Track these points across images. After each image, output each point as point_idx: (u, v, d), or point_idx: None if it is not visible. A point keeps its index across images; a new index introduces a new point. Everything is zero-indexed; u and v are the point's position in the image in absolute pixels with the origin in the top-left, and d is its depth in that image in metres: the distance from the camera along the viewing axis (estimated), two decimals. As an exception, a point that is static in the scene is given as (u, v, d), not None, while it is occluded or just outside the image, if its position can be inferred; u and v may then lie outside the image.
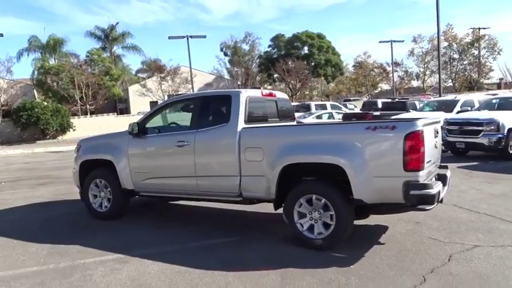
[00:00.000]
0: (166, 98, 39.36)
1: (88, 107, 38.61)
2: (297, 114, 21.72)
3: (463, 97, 16.71)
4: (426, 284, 4.11)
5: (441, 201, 5.21)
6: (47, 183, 11.01)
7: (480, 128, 12.14)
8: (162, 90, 40.19)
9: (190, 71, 35.99)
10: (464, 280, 4.17)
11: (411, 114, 16.68)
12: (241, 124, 5.62)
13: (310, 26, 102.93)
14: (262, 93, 6.29)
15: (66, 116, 30.72)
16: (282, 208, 5.44)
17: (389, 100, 22.72)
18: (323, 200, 5.02)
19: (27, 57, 51.07)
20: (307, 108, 23.58)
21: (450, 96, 19.80)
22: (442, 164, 5.93)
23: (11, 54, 64.50)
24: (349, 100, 41.05)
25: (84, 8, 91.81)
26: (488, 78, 51.35)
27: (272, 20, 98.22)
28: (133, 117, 35.54)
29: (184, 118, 6.73)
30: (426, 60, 50.46)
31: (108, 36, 50.92)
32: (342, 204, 4.94)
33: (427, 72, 51.25)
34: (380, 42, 40.13)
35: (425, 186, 4.63)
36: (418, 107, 18.73)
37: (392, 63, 42.53)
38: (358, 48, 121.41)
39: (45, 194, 9.42)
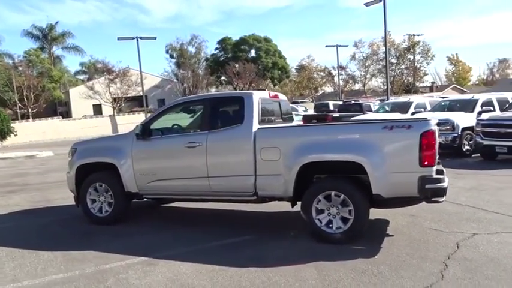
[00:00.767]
0: (112, 100, 38.32)
1: (30, 110, 36.58)
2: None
3: (415, 99, 17.79)
4: (450, 269, 4.48)
5: None
6: (17, 191, 10.44)
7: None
8: (110, 93, 38.95)
9: (141, 73, 35.30)
10: (480, 264, 4.59)
11: (368, 116, 17.52)
12: (255, 125, 5.77)
13: (250, 30, 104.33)
14: (269, 94, 6.47)
15: (6, 120, 28.93)
16: (289, 204, 5.71)
17: (346, 102, 23.62)
18: (342, 196, 5.28)
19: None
20: None
21: (403, 99, 20.96)
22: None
23: None
24: (297, 102, 42.07)
25: (13, 7, 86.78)
26: (422, 82, 54.71)
27: (213, 23, 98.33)
28: (81, 122, 34.28)
29: (183, 119, 6.77)
30: (367, 64, 52.86)
31: (46, 36, 48.55)
32: (360, 200, 5.23)
33: (367, 76, 53.71)
34: (326, 46, 41.53)
35: (438, 180, 5.04)
36: (373, 109, 19.68)
37: (338, 67, 44.17)
38: (297, 51, 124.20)
39: (22, 202, 8.96)
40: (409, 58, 51.83)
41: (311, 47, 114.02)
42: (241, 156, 5.80)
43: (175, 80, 52.78)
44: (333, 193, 5.33)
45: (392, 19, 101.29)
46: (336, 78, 49.83)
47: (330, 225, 5.38)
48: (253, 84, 45.73)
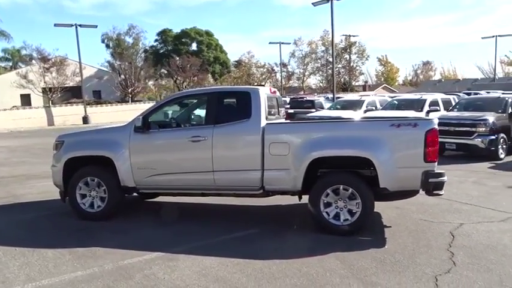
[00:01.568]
0: (48, 90, 36.11)
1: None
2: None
3: (367, 98, 18.66)
4: (457, 256, 4.86)
5: None
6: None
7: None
8: (45, 82, 36.61)
9: (80, 63, 33.57)
10: (480, 250, 5.03)
11: (323, 113, 18.14)
12: (263, 120, 5.85)
13: (185, 22, 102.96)
14: (270, 90, 6.56)
15: None
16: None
17: (299, 98, 24.15)
18: (350, 190, 5.53)
19: None
20: None
21: (354, 97, 21.87)
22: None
23: None
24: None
25: None
26: (357, 81, 57.28)
27: (146, 13, 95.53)
28: (12, 112, 32.00)
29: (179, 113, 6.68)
30: (305, 62, 54.30)
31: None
32: (367, 193, 5.51)
33: (306, 74, 55.22)
34: (270, 43, 42.24)
35: (440, 174, 5.44)
36: (324, 106, 20.36)
37: (280, 64, 44.95)
38: (233, 47, 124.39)
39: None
40: (346, 58, 53.98)
41: (247, 43, 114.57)
42: (248, 151, 5.86)
43: (110, 71, 50.78)
44: (341, 187, 5.56)
45: (327, 19, 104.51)
46: (277, 75, 50.62)
47: (337, 218, 5.61)
48: (195, 78, 45.31)
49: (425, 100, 15.67)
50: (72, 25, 32.38)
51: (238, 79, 59.97)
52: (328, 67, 54.01)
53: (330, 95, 29.82)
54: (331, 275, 4.36)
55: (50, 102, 37.29)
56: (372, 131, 5.62)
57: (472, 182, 8.95)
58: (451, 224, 6.08)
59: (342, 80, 54.65)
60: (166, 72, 50.56)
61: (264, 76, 60.61)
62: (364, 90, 59.87)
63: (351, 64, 53.68)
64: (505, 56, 60.78)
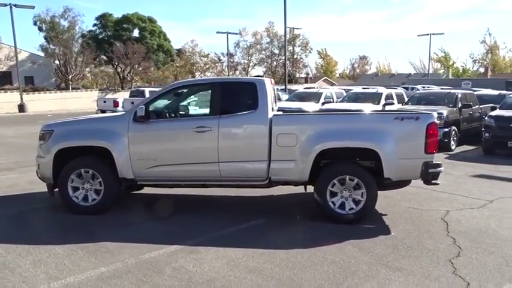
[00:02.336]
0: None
1: None
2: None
3: (324, 90, 19.13)
4: (459, 240, 5.22)
5: None
6: None
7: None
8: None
9: (15, 46, 31.32)
10: (476, 235, 5.43)
11: (282, 104, 18.31)
12: (270, 111, 5.89)
13: (120, 7, 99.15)
14: (271, 81, 6.59)
15: None
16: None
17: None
18: (356, 180, 5.74)
19: None
20: (142, 94, 23.05)
21: (311, 89, 22.31)
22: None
23: None
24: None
25: None
26: (301, 73, 58.40)
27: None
28: None
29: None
30: (250, 52, 54.46)
31: None
32: (372, 183, 5.75)
33: (251, 64, 55.43)
34: (218, 32, 41.76)
35: (438, 165, 5.80)
36: (282, 98, 20.57)
37: (228, 54, 44.69)
38: (172, 35, 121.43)
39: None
40: (290, 50, 54.76)
41: (186, 31, 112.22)
42: (255, 142, 5.88)
43: (44, 56, 47.80)
44: (347, 177, 5.75)
45: (267, 11, 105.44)
46: (220, 65, 50.29)
47: (342, 207, 5.80)
48: (137, 66, 43.91)
49: (381, 94, 16.38)
50: (6, 5, 30.09)
51: (181, 68, 58.96)
52: (273, 58, 54.73)
53: (280, 87, 30.23)
54: (357, 262, 4.53)
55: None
56: (377, 124, 5.86)
57: (437, 172, 9.56)
58: (438, 211, 6.49)
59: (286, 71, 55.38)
60: (106, 58, 48.45)
61: (207, 66, 60.06)
62: (306, 82, 61.27)
63: (295, 56, 54.59)
64: (434, 53, 64.66)
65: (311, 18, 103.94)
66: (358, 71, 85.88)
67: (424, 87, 31.39)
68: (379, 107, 15.55)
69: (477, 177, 9.19)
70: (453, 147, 13.04)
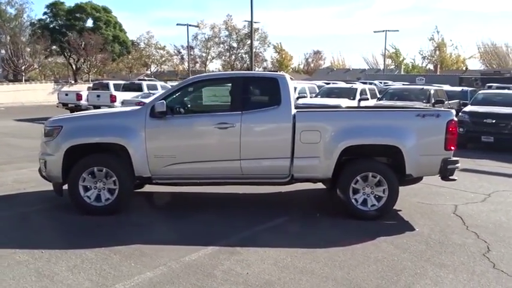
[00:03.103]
0: None
1: None
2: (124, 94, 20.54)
3: (298, 85, 19.20)
4: (481, 234, 5.39)
5: None
6: None
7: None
8: None
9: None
10: (493, 228, 5.64)
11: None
12: (293, 107, 5.81)
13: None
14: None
15: None
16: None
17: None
18: (378, 177, 5.78)
19: None
20: (106, 87, 22.27)
21: None
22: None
23: None
24: (144, 80, 40.39)
25: None
26: (260, 67, 58.45)
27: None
28: None
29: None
30: (208, 46, 53.87)
31: None
32: (394, 179, 5.82)
33: (209, 58, 54.87)
34: (178, 24, 40.85)
35: (456, 161, 5.95)
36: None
37: (188, 47, 43.88)
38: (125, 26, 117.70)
39: None
40: (249, 44, 54.67)
41: (137, 21, 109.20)
42: (278, 139, 5.79)
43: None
44: (370, 174, 5.78)
45: (220, 3, 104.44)
46: (180, 58, 49.36)
47: (365, 204, 5.84)
48: (94, 58, 42.24)
49: (356, 89, 16.68)
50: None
51: (136, 60, 57.43)
52: (232, 52, 54.43)
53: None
54: (400, 260, 4.57)
55: None
56: (399, 121, 5.92)
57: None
58: (446, 206, 6.68)
59: (244, 65, 55.32)
60: (58, 49, 46.26)
61: (164, 59, 58.88)
62: (264, 76, 61.45)
63: (254, 50, 54.48)
64: (386, 49, 66.70)
65: (265, 12, 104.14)
66: (312, 65, 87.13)
67: (381, 83, 32.41)
68: (355, 103, 15.84)
69: (463, 171, 9.49)
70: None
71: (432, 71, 59.98)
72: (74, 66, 47.66)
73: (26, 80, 39.52)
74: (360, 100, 16.00)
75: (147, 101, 18.14)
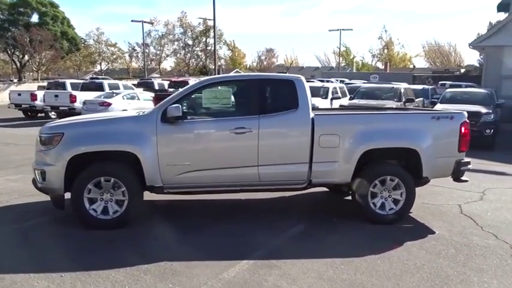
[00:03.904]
0: None
1: None
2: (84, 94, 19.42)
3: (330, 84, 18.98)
4: (499, 234, 5.47)
5: None
6: None
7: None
8: None
9: None
10: (504, 227, 5.75)
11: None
12: (311, 110, 5.63)
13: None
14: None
15: None
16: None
17: (180, 82, 23.33)
18: (396, 180, 5.72)
19: None
20: (62, 87, 21.21)
21: None
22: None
23: None
24: (97, 79, 38.78)
25: None
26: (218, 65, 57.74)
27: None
28: None
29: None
30: (162, 43, 52.62)
31: None
32: (411, 182, 5.79)
33: (163, 55, 53.60)
34: (132, 21, 39.43)
35: (468, 163, 6.01)
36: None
37: (143, 44, 42.54)
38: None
39: None
40: (205, 41, 53.98)
41: (80, 17, 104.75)
42: (297, 143, 5.60)
43: None
44: (388, 177, 5.72)
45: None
46: (134, 55, 47.81)
47: (383, 208, 5.77)
48: (43, 55, 40.02)
49: (328, 88, 16.77)
50: None
51: (85, 58, 55.14)
52: (187, 50, 53.49)
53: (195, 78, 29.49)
54: (439, 266, 4.50)
55: None
56: (416, 123, 5.90)
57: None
58: (451, 206, 6.76)
59: (200, 63, 54.53)
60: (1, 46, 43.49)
61: (115, 56, 56.91)
62: (219, 73, 60.90)
63: (210, 48, 53.83)
64: (337, 47, 68.17)
65: (220, 9, 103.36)
66: (265, 63, 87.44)
67: (337, 80, 32.98)
68: (327, 102, 15.91)
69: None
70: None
71: (380, 69, 61.90)
72: (18, 64, 44.98)
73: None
74: (332, 99, 16.09)
75: (111, 101, 17.85)
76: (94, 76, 41.62)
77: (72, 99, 19.11)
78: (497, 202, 7.03)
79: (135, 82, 29.71)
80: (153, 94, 20.26)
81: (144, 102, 18.88)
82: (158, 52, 53.37)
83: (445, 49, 70.09)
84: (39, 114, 20.82)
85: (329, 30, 61.95)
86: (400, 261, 4.59)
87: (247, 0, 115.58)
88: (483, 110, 13.13)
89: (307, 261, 4.52)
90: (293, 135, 5.63)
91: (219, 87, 5.79)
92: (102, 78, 29.18)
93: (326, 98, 16.12)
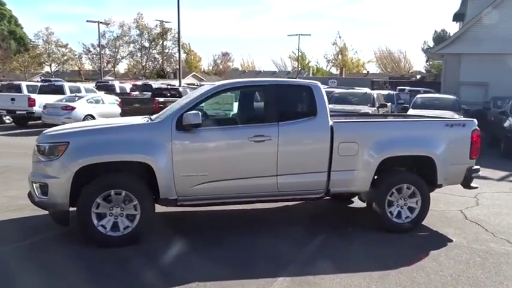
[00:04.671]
0: None
1: None
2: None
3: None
4: (510, 239, 5.56)
5: None
6: None
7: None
8: None
9: None
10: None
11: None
12: (329, 117, 5.47)
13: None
14: None
15: None
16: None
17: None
18: (412, 188, 5.67)
19: None
20: (17, 89, 20.01)
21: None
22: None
23: None
24: (49, 81, 36.92)
25: None
26: (173, 69, 56.75)
27: None
28: None
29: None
30: (117, 45, 51.07)
31: None
32: (426, 190, 5.76)
33: (118, 57, 52.02)
34: (88, 21, 37.87)
35: (478, 170, 6.06)
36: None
37: (99, 45, 40.94)
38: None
39: None
40: (162, 44, 52.92)
41: (31, 16, 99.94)
42: (316, 152, 5.42)
43: None
44: (405, 186, 5.65)
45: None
46: (89, 57, 46.00)
47: (399, 216, 5.69)
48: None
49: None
50: None
51: (34, 58, 52.47)
52: (143, 52, 52.20)
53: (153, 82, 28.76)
54: (475, 277, 4.43)
55: None
56: (431, 131, 5.87)
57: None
58: (453, 212, 6.82)
59: (157, 66, 53.36)
60: None
61: (66, 57, 54.56)
62: (175, 77, 59.90)
63: (167, 51, 52.86)
64: (292, 52, 69.08)
65: (170, 11, 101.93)
66: (221, 67, 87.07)
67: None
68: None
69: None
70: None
71: (335, 74, 63.25)
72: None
73: None
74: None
75: (75, 105, 16.93)
76: (44, 78, 39.60)
77: (31, 102, 17.96)
78: (493, 207, 7.17)
79: (92, 85, 28.57)
80: (117, 98, 19.44)
81: (109, 106, 18.11)
82: (113, 54, 51.65)
83: (396, 56, 72.75)
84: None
85: (288, 35, 62.56)
86: (435, 272, 4.50)
87: (202, 2, 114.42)
88: (455, 115, 13.54)
89: (343, 276, 4.33)
90: (312, 143, 5.44)
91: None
92: (54, 81, 27.81)
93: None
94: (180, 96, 19.02)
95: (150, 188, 4.97)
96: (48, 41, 52.83)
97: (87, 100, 17.55)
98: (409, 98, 24.28)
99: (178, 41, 28.40)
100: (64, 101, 17.62)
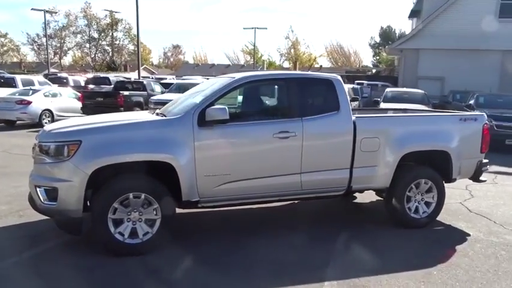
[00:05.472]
0: None
1: None
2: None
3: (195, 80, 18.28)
4: (524, 232, 5.68)
5: None
6: None
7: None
8: None
9: None
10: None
11: (165, 96, 16.92)
12: (351, 112, 5.30)
13: None
14: None
15: None
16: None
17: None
18: (430, 183, 5.63)
19: None
20: None
21: (193, 80, 20.99)
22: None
23: None
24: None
25: None
26: (125, 61, 54.70)
27: None
28: None
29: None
30: (63, 35, 48.52)
31: None
32: (442, 184, 5.75)
33: (64, 49, 49.43)
34: (32, 9, 35.46)
35: (487, 163, 6.13)
36: (155, 89, 18.92)
37: (46, 35, 38.41)
38: None
39: None
40: (112, 35, 50.83)
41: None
42: (339, 148, 5.23)
43: None
44: (423, 181, 5.60)
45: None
46: (36, 47, 43.29)
47: (416, 211, 5.65)
48: None
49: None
50: None
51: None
52: (92, 44, 49.97)
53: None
54: (508, 272, 4.44)
55: None
56: (447, 125, 5.85)
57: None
58: (455, 205, 6.87)
59: (107, 58, 51.22)
60: None
61: (6, 48, 51.23)
62: (125, 70, 57.88)
63: (118, 42, 50.83)
64: (245, 45, 68.89)
65: (119, 1, 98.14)
66: (172, 60, 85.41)
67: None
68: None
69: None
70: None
71: (287, 68, 63.72)
72: None
73: None
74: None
75: (31, 99, 15.75)
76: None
77: (-22, 97, 16.51)
78: (487, 198, 7.34)
79: (41, 77, 26.89)
80: (75, 92, 18.34)
81: (68, 100, 17.06)
82: (58, 45, 48.94)
83: (347, 50, 74.48)
84: None
85: (244, 28, 62.18)
86: (473, 268, 4.46)
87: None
88: (426, 108, 13.87)
89: (387, 277, 4.17)
90: (336, 139, 5.24)
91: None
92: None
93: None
94: (145, 89, 18.31)
95: (172, 190, 4.57)
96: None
97: (44, 94, 16.39)
98: (370, 91, 24.83)
99: (138, 32, 27.28)
100: (17, 94, 16.38)
